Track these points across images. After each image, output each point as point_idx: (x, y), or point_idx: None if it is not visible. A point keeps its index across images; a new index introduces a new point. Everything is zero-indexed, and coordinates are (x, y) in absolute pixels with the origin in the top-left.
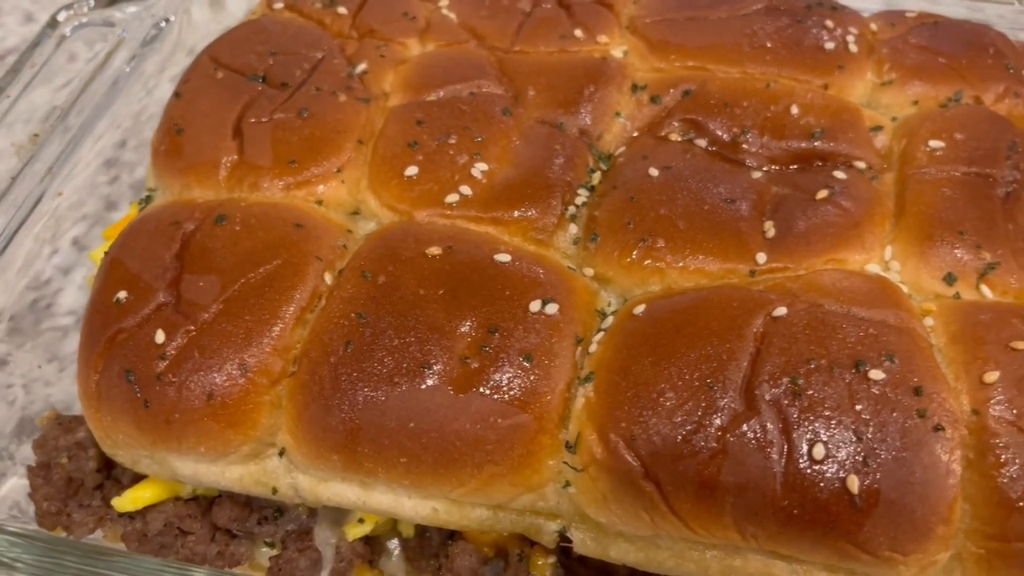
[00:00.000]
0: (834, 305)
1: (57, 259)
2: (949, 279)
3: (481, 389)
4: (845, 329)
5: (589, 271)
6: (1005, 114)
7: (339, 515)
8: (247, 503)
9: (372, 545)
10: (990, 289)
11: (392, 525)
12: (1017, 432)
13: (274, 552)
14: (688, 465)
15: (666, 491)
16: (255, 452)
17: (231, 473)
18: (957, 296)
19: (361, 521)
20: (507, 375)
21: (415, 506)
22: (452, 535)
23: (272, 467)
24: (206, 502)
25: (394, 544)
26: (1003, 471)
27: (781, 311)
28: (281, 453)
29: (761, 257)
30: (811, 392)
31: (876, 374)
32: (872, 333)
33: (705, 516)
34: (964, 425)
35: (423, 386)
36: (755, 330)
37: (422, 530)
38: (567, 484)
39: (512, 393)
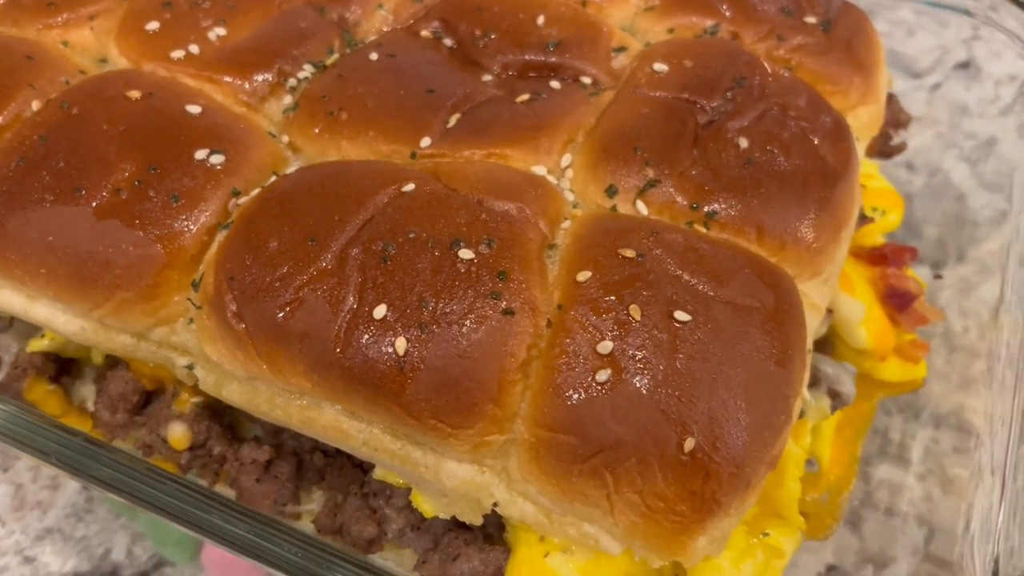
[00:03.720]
0: (467, 191)
1: None
2: (611, 191)
3: (121, 217)
4: (460, 211)
5: (285, 139)
6: (763, 55)
7: (33, 330)
8: None
9: (69, 368)
10: (646, 206)
11: (88, 352)
12: (589, 330)
13: None
14: (268, 308)
15: (251, 331)
16: None
17: None
18: (614, 208)
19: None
20: (149, 209)
21: (67, 322)
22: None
23: None
24: None
25: (91, 371)
26: (563, 364)
27: (410, 187)
28: None
29: (425, 142)
30: (398, 258)
31: (466, 253)
32: (484, 219)
33: (281, 360)
34: (547, 317)
35: (70, 207)
36: (380, 200)
37: (114, 361)
38: (191, 320)
39: (149, 226)
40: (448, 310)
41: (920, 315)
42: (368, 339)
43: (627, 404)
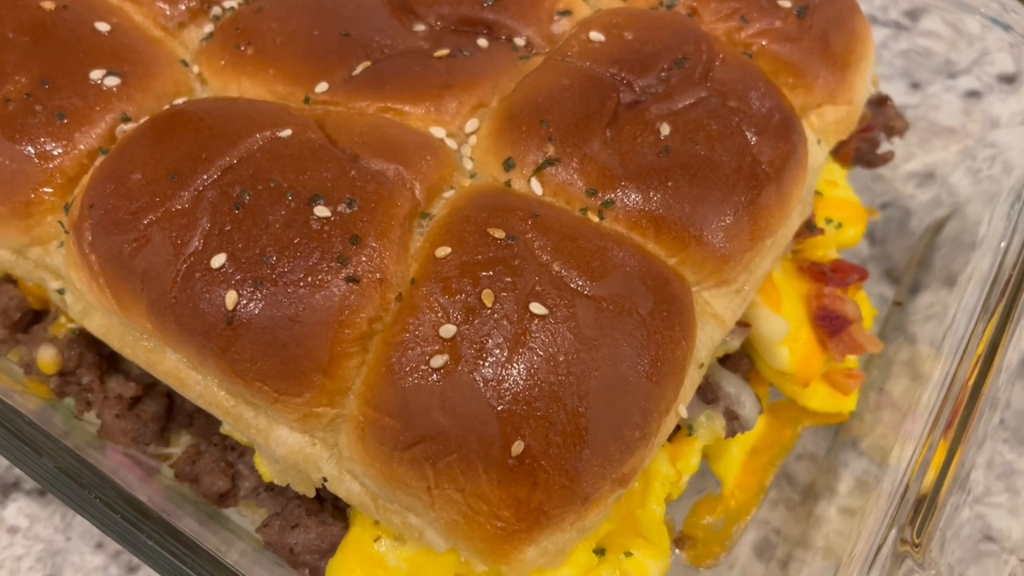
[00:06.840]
0: (346, 144)
1: None
2: (508, 165)
3: (2, 130)
4: (330, 165)
5: (196, 69)
6: (722, 35)
7: None
8: None
9: None
10: (542, 185)
11: None
12: (435, 311)
13: None
14: (117, 242)
15: (101, 264)
16: None
17: None
18: (508, 183)
19: None
20: (32, 124)
21: None
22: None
23: None
24: None
25: None
26: (401, 343)
27: (286, 133)
28: None
29: (322, 87)
30: (250, 207)
31: (322, 210)
32: (352, 176)
33: (126, 298)
34: (399, 290)
35: None
36: (252, 144)
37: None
38: (62, 244)
39: (28, 142)
40: (287, 268)
41: (855, 343)
42: (201, 287)
43: (457, 395)
